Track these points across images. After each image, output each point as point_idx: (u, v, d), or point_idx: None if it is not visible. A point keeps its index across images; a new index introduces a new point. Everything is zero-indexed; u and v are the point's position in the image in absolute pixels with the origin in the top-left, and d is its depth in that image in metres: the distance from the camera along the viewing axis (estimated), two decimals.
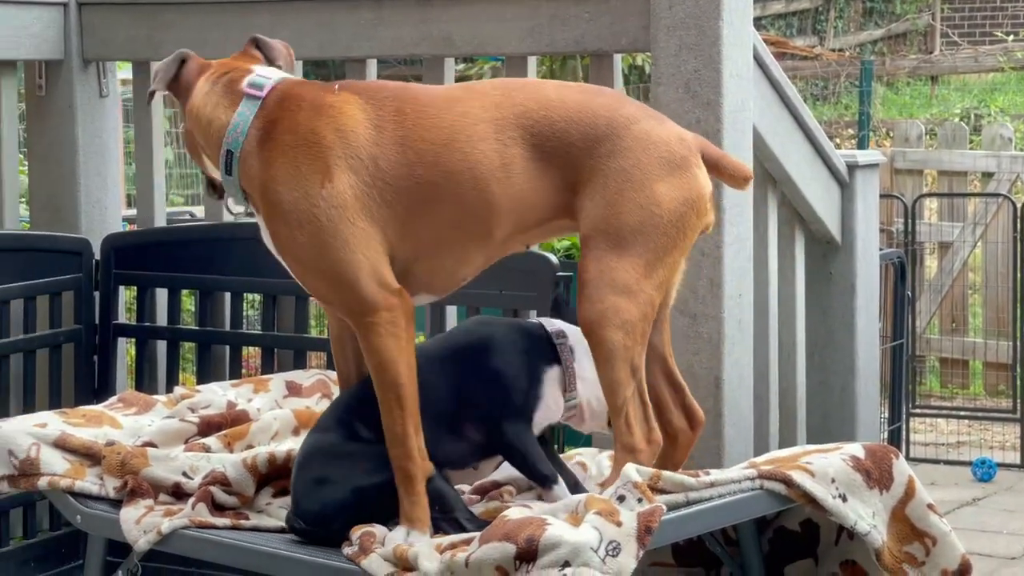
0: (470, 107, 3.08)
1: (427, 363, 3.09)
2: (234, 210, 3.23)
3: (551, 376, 3.20)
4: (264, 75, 3.14)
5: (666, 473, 2.92)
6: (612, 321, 3.03)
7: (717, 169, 3.16)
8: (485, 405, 3.13)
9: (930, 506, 3.19)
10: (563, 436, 3.83)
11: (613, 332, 3.03)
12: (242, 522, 3.17)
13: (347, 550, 2.95)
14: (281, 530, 3.16)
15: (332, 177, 3.01)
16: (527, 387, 3.17)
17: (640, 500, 2.82)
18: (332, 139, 3.02)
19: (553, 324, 3.26)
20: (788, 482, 3.00)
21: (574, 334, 3.20)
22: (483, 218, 3.07)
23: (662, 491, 2.88)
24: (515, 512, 2.86)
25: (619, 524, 2.73)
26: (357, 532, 2.97)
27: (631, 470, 2.90)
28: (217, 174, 3.16)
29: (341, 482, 3.05)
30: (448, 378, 3.14)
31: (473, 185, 3.04)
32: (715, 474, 3.00)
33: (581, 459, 3.48)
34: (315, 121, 3.04)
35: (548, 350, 3.21)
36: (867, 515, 3.08)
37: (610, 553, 2.69)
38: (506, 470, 3.28)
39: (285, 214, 3.02)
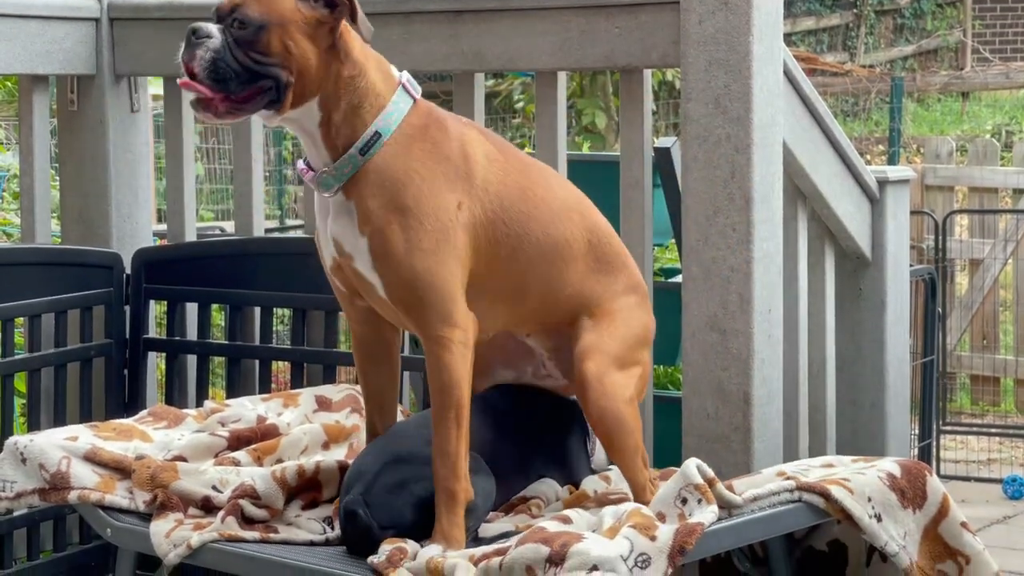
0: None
1: (516, 427, 3.33)
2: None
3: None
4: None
5: (718, 486, 2.93)
6: None
7: None
8: (560, 464, 3.44)
9: (963, 524, 3.18)
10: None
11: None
12: (271, 535, 3.18)
13: (373, 559, 2.96)
14: (310, 543, 3.17)
15: (465, 197, 3.08)
16: (586, 449, 3.51)
17: (700, 501, 2.86)
18: (467, 163, 3.10)
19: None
20: (827, 496, 3.00)
21: None
22: (528, 289, 3.19)
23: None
24: (553, 525, 2.87)
25: (653, 539, 2.74)
26: (388, 545, 2.98)
27: (692, 470, 2.92)
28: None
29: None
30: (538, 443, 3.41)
31: (556, 256, 3.21)
32: (751, 488, 2.99)
33: (608, 473, 3.51)
34: (456, 141, 3.11)
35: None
36: (898, 535, 3.07)
37: (639, 564, 2.70)
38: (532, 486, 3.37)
39: (419, 215, 3.03)
